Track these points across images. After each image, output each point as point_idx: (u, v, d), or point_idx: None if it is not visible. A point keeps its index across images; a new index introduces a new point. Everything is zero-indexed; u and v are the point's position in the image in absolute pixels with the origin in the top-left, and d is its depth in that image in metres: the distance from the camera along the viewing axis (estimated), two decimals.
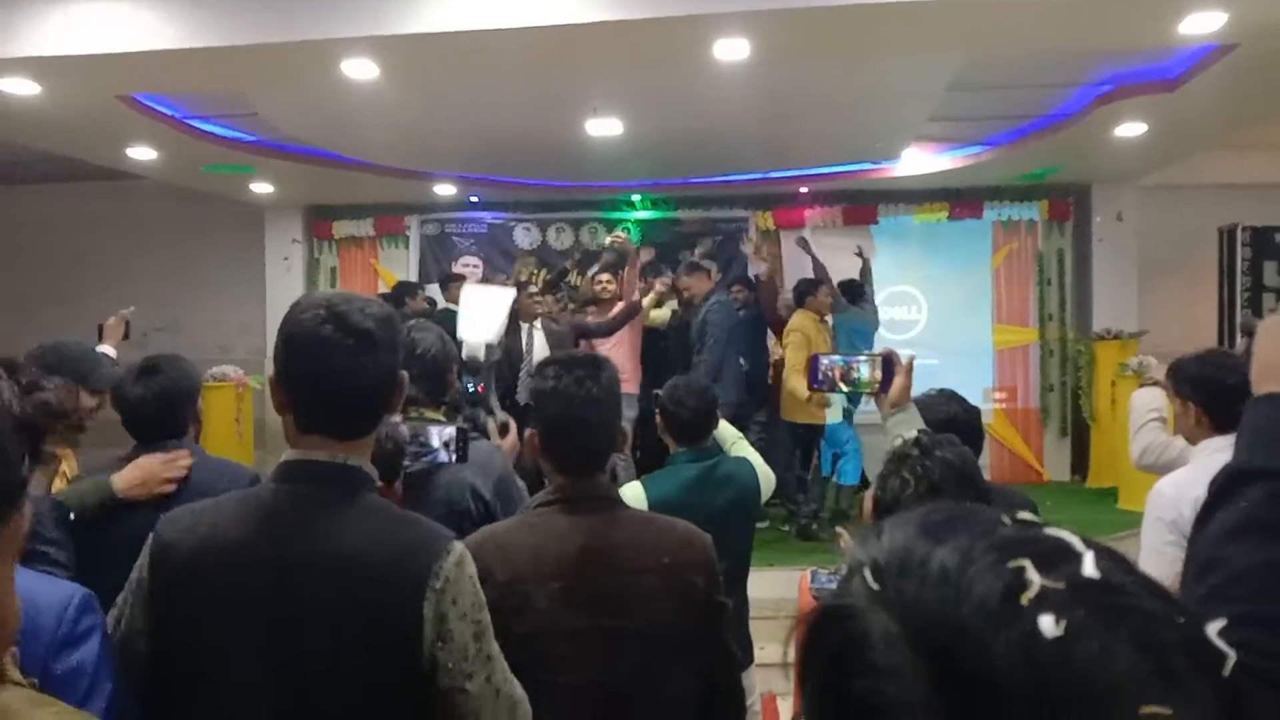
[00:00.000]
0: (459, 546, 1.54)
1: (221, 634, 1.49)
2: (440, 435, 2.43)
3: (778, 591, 4.77)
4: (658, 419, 3.18)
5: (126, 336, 4.47)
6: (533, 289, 7.04)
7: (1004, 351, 9.76)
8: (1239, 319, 8.04)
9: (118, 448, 2.50)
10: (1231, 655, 0.55)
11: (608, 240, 7.56)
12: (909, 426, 2.47)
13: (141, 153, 7.63)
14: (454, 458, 2.42)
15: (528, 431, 2.04)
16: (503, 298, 5.15)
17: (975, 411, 2.88)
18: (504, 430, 2.86)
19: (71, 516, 2.27)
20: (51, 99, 5.77)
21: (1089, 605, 0.53)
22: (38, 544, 2.10)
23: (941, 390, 2.93)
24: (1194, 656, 0.54)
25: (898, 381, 2.49)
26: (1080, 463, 9.44)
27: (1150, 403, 3.36)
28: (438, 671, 1.48)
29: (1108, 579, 0.55)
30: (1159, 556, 2.52)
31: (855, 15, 4.61)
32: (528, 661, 1.83)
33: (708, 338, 7.04)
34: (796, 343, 6.85)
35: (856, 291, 7.61)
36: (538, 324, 6.68)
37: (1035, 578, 0.54)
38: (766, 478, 3.25)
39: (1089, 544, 0.58)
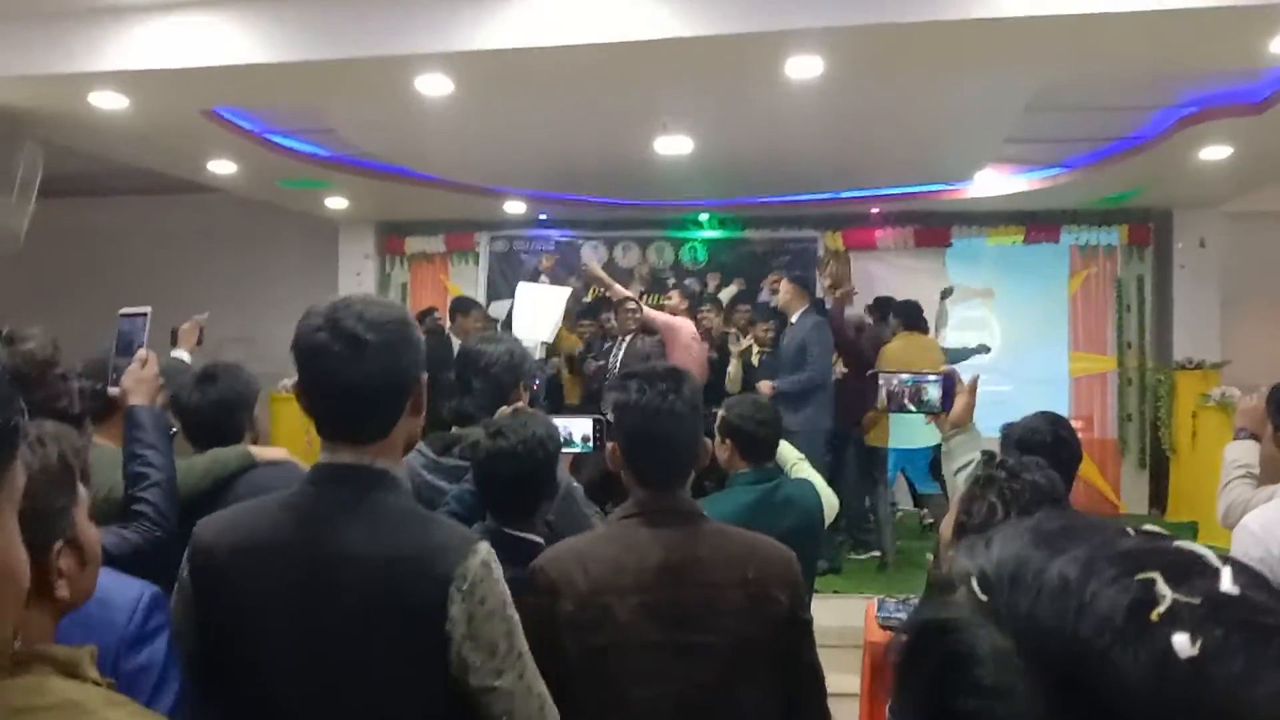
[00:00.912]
0: (484, 546, 1.57)
1: (260, 630, 1.54)
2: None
3: (842, 620, 4.66)
4: (718, 437, 3.08)
5: (200, 343, 4.55)
6: (630, 305, 7.11)
7: (1080, 380, 9.52)
8: None
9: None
10: None
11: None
12: (971, 448, 2.41)
13: (221, 166, 7.80)
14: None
15: (609, 444, 2.03)
16: (557, 296, 5.13)
17: (1074, 433, 2.83)
18: None
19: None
20: (138, 112, 5.92)
21: (1228, 624, 0.48)
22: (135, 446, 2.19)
23: (1042, 413, 2.87)
24: None
25: (960, 401, 2.43)
26: (1159, 496, 9.16)
27: (1240, 457, 3.21)
28: (469, 671, 1.51)
29: (1248, 596, 0.50)
30: None
31: (932, 32, 4.54)
32: (604, 674, 1.83)
33: (811, 355, 6.82)
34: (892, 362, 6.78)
35: (916, 315, 7.41)
36: (626, 338, 6.89)
37: (1167, 592, 0.49)
38: (830, 501, 3.17)
39: (1225, 559, 0.52)
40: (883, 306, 7.76)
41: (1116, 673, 0.47)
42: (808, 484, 3.16)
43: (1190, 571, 0.51)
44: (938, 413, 2.48)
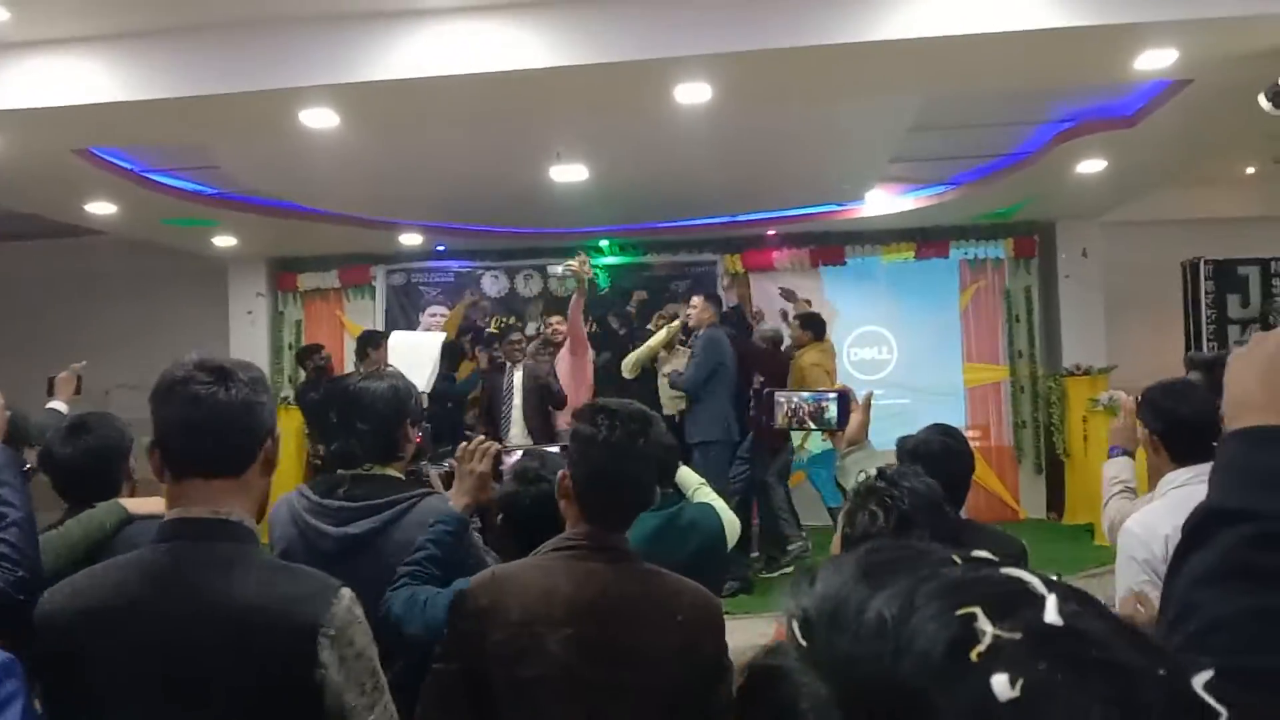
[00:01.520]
0: (347, 592, 1.57)
1: (113, 699, 1.50)
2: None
3: (752, 640, 4.66)
4: None
5: (78, 392, 4.37)
6: (514, 336, 7.40)
7: (975, 390, 9.76)
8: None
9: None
10: (1224, 713, 0.47)
11: (560, 269, 7.87)
12: (867, 464, 2.43)
13: (100, 207, 7.54)
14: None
15: (559, 472, 1.98)
16: (430, 342, 5.05)
17: (964, 440, 2.88)
18: (448, 481, 2.73)
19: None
20: (6, 154, 5.68)
21: (1052, 658, 0.45)
22: None
23: (935, 425, 2.93)
24: (1181, 715, 0.46)
25: (855, 419, 2.45)
26: (1056, 499, 9.42)
27: (1117, 474, 3.33)
28: (345, 712, 1.52)
29: (1074, 625, 0.47)
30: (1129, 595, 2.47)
31: (814, 57, 4.62)
32: (531, 706, 1.77)
33: (695, 357, 7.04)
34: (818, 378, 6.92)
35: (820, 327, 7.61)
36: (519, 366, 7.13)
37: (988, 627, 0.46)
38: (731, 524, 3.17)
39: (1051, 585, 0.50)
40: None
41: (936, 718, 0.44)
42: (709, 508, 3.15)
43: (1014, 603, 0.48)
44: (834, 430, 2.50)
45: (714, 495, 3.26)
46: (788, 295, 8.38)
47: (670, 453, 3.06)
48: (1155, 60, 4.82)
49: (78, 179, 6.63)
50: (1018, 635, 0.46)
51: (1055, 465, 9.41)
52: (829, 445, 6.90)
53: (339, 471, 2.44)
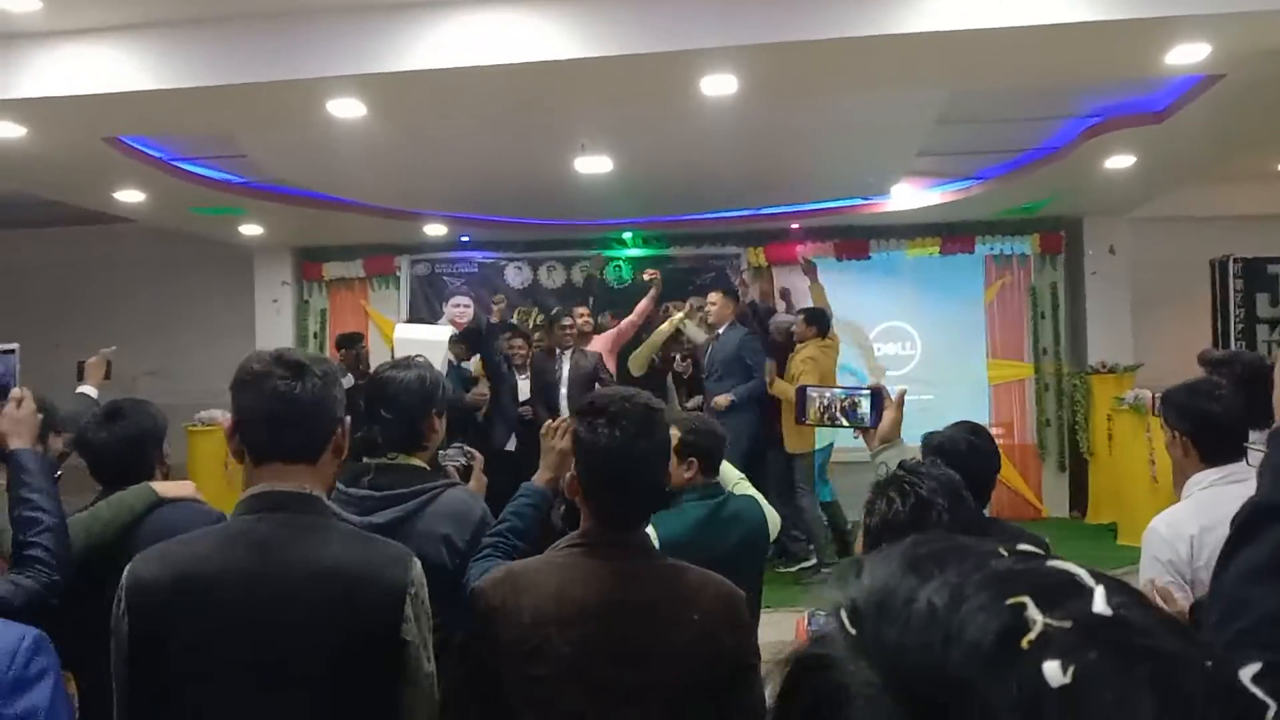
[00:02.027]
0: (418, 560, 1.76)
1: (211, 658, 1.62)
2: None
3: (771, 635, 4.66)
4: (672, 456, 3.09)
5: (108, 376, 4.42)
6: (565, 322, 7.53)
7: (999, 386, 9.70)
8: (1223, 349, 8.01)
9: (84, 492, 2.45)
10: (1273, 706, 0.47)
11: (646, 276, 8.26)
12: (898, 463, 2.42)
13: (129, 195, 7.60)
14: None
15: (569, 474, 1.97)
16: (437, 336, 5.04)
17: (990, 438, 2.87)
18: (466, 473, 2.74)
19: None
20: (37, 142, 5.75)
21: (1101, 647, 0.45)
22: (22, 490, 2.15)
23: (960, 422, 2.92)
24: (1226, 706, 0.46)
25: (887, 416, 2.45)
26: (1079, 498, 9.36)
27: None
28: (420, 663, 1.70)
29: (1122, 616, 0.48)
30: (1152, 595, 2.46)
31: (841, 49, 4.60)
32: (539, 707, 1.78)
33: (748, 364, 7.10)
34: (811, 370, 6.86)
35: (825, 323, 7.53)
36: (568, 354, 7.30)
37: (1037, 616, 0.46)
38: (773, 518, 3.19)
39: (1099, 577, 0.50)
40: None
41: (987, 705, 0.45)
42: (753, 500, 3.17)
43: (1062, 594, 0.48)
44: (868, 427, 2.49)
45: (754, 490, 3.28)
46: (808, 270, 8.21)
47: (717, 442, 3.10)
48: (1187, 55, 4.77)
49: (107, 167, 6.69)
50: (1068, 624, 0.46)
51: (1079, 464, 9.34)
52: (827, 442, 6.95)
53: (365, 460, 2.46)
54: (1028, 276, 9.70)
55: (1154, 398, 7.34)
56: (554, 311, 8.32)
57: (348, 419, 1.82)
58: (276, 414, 1.72)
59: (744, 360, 7.14)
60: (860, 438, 2.54)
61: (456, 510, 2.41)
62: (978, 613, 0.47)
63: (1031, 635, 0.46)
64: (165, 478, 2.63)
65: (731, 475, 3.31)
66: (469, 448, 2.81)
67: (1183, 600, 2.25)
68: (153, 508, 2.40)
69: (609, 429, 1.85)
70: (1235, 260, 8.54)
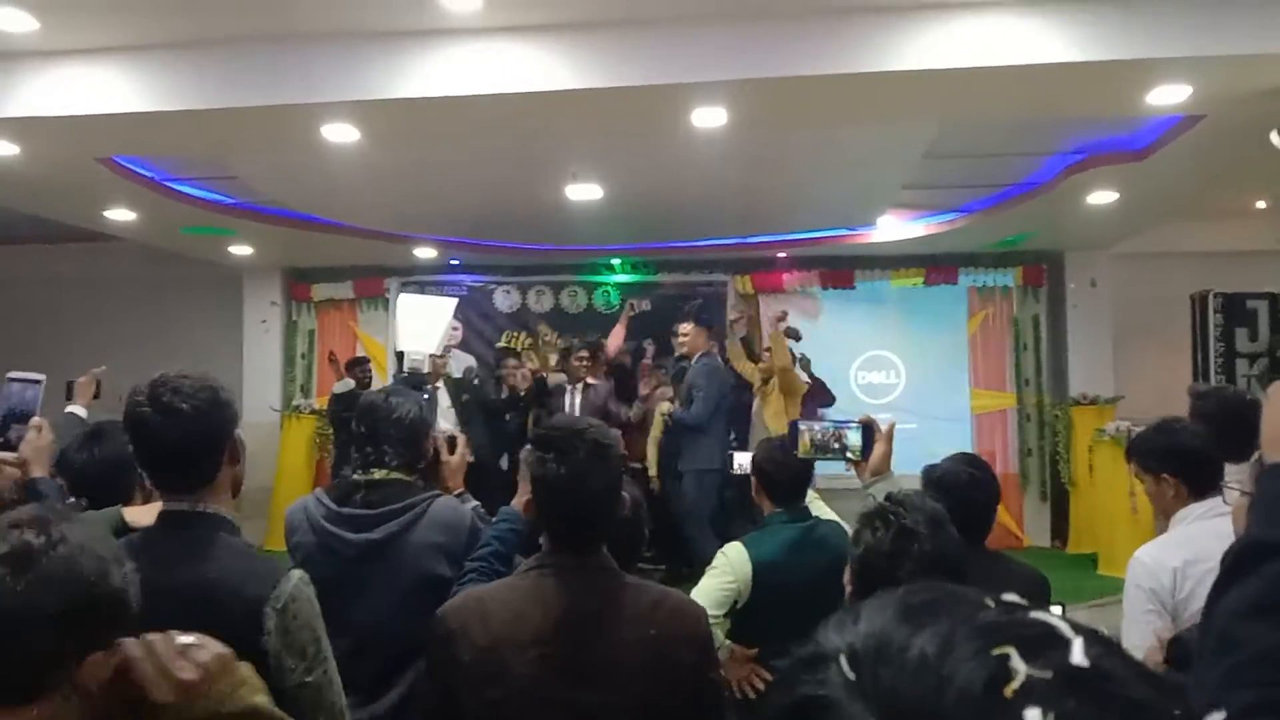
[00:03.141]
0: (298, 573, 1.80)
1: None
2: None
3: None
4: (752, 479, 3.15)
5: (97, 396, 4.41)
6: (582, 353, 7.56)
7: (982, 416, 9.78)
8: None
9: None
10: None
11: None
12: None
13: (120, 214, 7.62)
14: None
15: (525, 499, 2.00)
16: (443, 308, 5.03)
17: (989, 469, 2.90)
18: (451, 445, 2.79)
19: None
20: (30, 160, 5.76)
21: (1079, 696, 0.50)
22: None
23: (961, 454, 2.94)
24: None
25: (878, 449, 2.48)
26: (1060, 528, 9.42)
27: None
28: (284, 674, 1.71)
29: (1098, 666, 0.52)
30: (1138, 625, 2.50)
31: (831, 85, 4.68)
32: None
33: (698, 390, 7.12)
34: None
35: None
36: (578, 387, 7.29)
37: (1020, 666, 0.51)
38: None
39: (1078, 629, 0.55)
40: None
41: None
42: (837, 524, 3.19)
43: (1043, 645, 0.52)
44: (859, 460, 2.53)
45: (826, 508, 3.31)
46: (792, 336, 8.35)
47: (800, 469, 3.09)
48: (1168, 96, 4.87)
49: (99, 186, 6.72)
50: (1049, 674, 0.50)
51: (1060, 494, 9.42)
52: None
53: (354, 477, 2.51)
54: (1010, 308, 9.81)
55: (1130, 431, 7.44)
56: (570, 344, 8.37)
57: (238, 433, 1.89)
58: (159, 459, 1.84)
59: (694, 391, 7.16)
60: (852, 470, 2.58)
61: (447, 520, 2.48)
62: (967, 661, 0.51)
63: (1015, 684, 0.50)
64: (145, 500, 2.64)
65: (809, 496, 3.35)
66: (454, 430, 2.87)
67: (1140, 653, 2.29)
68: (117, 534, 2.40)
69: (557, 464, 1.87)
70: (1215, 295, 8.67)
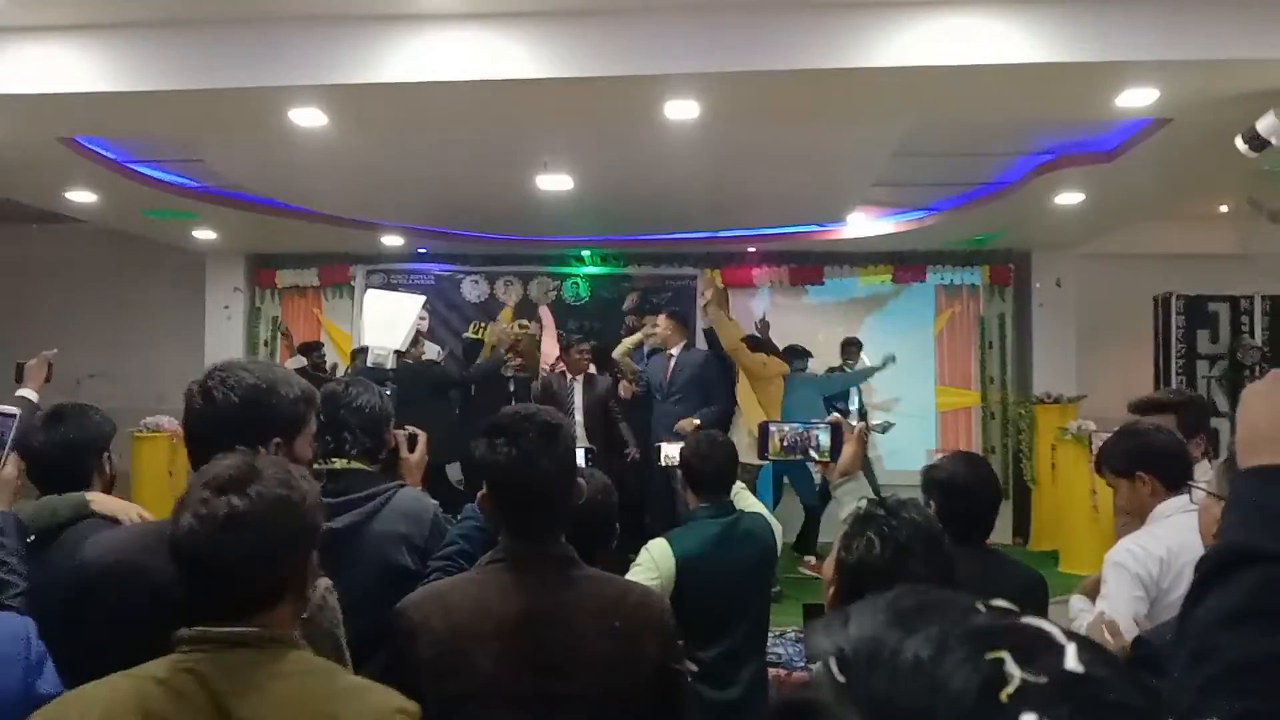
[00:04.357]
0: (324, 582, 1.74)
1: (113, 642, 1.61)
2: None
3: None
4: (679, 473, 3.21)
5: (48, 379, 4.31)
6: (584, 346, 7.52)
7: (946, 413, 9.85)
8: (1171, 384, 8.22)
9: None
10: None
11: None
12: (857, 495, 2.47)
13: (80, 196, 7.49)
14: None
15: (480, 493, 1.95)
16: (409, 304, 5.03)
17: (989, 469, 2.91)
18: (412, 443, 2.77)
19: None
20: None
21: (1074, 702, 0.49)
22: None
23: (962, 454, 2.96)
24: None
25: (847, 450, 2.49)
26: (1022, 526, 9.51)
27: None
28: None
29: (1092, 672, 0.51)
30: (1122, 604, 2.53)
31: (804, 80, 4.68)
32: None
33: (711, 388, 7.26)
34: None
35: (800, 355, 7.76)
36: (579, 379, 7.29)
37: (1015, 671, 0.50)
38: (778, 530, 3.25)
39: (1070, 635, 0.54)
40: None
41: None
42: (761, 517, 3.24)
43: (1037, 649, 0.52)
44: (828, 461, 2.54)
45: (754, 500, 3.39)
46: (763, 328, 8.40)
47: (728, 462, 3.17)
48: (1137, 99, 4.91)
49: (60, 166, 6.59)
50: (1043, 679, 0.50)
51: (1022, 491, 9.50)
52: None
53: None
54: (977, 306, 9.89)
55: (1091, 437, 7.53)
56: (570, 337, 8.36)
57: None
58: (196, 437, 1.83)
59: (706, 382, 7.27)
60: (821, 471, 2.60)
61: (411, 509, 2.45)
62: (961, 665, 0.51)
63: (1010, 689, 0.49)
64: (107, 486, 2.60)
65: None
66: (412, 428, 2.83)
67: (1127, 636, 2.31)
68: (79, 518, 2.37)
69: (508, 447, 1.85)
70: (1178, 297, 8.79)
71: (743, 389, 7.24)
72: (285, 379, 1.90)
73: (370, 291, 5.60)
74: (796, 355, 8.01)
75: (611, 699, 1.81)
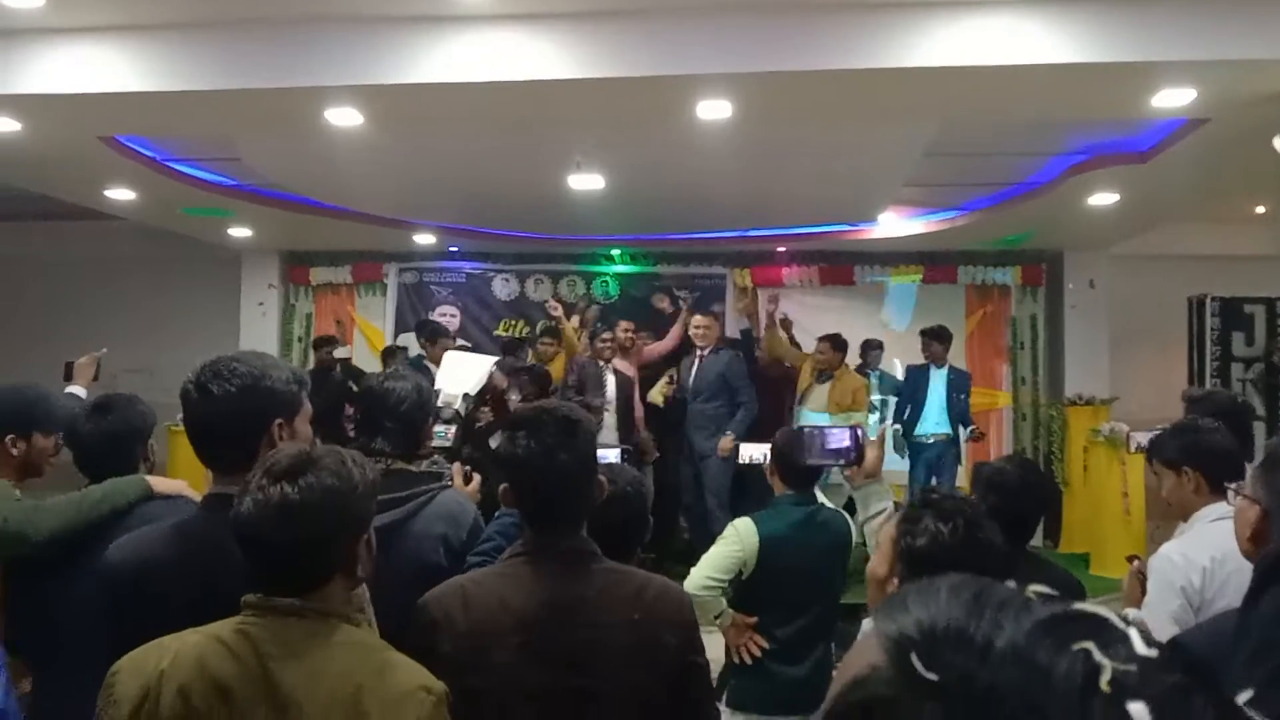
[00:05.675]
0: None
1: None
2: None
3: None
4: (768, 462, 3.35)
5: (96, 378, 4.41)
6: (606, 335, 7.47)
7: (977, 414, 9.77)
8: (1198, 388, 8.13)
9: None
10: None
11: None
12: (882, 498, 2.50)
13: (120, 193, 7.60)
14: None
15: (502, 486, 1.97)
16: (483, 363, 5.32)
17: (1039, 471, 2.92)
18: (467, 479, 2.80)
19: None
20: (32, 138, 5.74)
21: (1158, 687, 0.50)
22: None
23: (1013, 455, 2.98)
24: None
25: (870, 453, 2.51)
26: (1053, 528, 9.42)
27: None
28: None
29: (1163, 656, 0.52)
30: (1161, 619, 2.51)
31: (836, 80, 4.68)
32: (482, 718, 1.76)
33: (737, 388, 7.34)
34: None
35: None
36: (610, 365, 7.30)
37: (1105, 661, 0.50)
38: (854, 530, 3.32)
39: (1125, 620, 0.54)
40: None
41: None
42: (839, 512, 3.37)
43: (1111, 637, 0.52)
44: (852, 464, 2.56)
45: (831, 502, 3.47)
46: (785, 326, 8.43)
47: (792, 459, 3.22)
48: (1173, 99, 4.88)
49: (100, 165, 6.69)
50: (1132, 667, 0.50)
51: (1053, 494, 9.43)
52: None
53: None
54: (1008, 307, 9.82)
55: (1128, 435, 7.47)
56: (596, 325, 8.33)
57: (303, 408, 1.93)
58: (196, 433, 1.91)
59: (730, 383, 7.31)
60: (843, 472, 2.63)
61: (451, 511, 2.46)
62: (1057, 655, 0.51)
63: (1105, 678, 0.49)
64: (150, 473, 2.66)
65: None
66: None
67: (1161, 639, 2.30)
68: (145, 499, 2.43)
69: (528, 441, 1.88)
70: (1212, 299, 8.70)
71: (813, 399, 7.35)
72: (274, 364, 1.95)
73: (448, 354, 5.89)
74: (871, 348, 8.36)
75: (632, 692, 1.82)
